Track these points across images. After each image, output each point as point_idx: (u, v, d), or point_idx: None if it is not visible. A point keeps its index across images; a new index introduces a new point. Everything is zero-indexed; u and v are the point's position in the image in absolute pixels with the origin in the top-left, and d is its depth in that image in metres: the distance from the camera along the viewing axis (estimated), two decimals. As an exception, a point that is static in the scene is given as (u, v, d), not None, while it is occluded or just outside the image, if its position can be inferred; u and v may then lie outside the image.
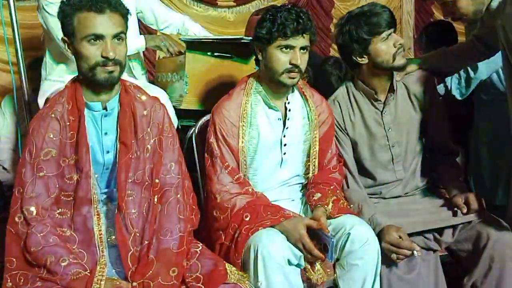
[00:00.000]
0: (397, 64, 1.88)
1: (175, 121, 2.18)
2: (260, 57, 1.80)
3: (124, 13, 1.52)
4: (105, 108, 1.56)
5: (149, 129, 1.61)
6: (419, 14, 4.78)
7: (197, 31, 2.55)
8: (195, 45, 2.25)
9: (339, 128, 1.98)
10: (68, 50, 1.52)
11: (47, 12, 2.09)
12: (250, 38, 2.17)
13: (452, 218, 1.88)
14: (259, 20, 1.77)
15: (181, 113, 2.30)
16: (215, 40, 2.31)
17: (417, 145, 2.02)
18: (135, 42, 2.26)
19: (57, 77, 2.21)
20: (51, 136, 1.51)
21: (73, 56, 1.55)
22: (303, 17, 1.70)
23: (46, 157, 1.50)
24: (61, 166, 1.51)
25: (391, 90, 1.97)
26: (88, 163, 1.50)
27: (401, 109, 2.00)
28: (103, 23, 1.46)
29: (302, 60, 1.73)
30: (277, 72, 1.75)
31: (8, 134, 3.10)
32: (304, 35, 1.72)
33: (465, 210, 1.85)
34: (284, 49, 1.72)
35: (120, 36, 1.50)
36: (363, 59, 1.91)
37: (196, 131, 2.08)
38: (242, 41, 2.23)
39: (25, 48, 2.20)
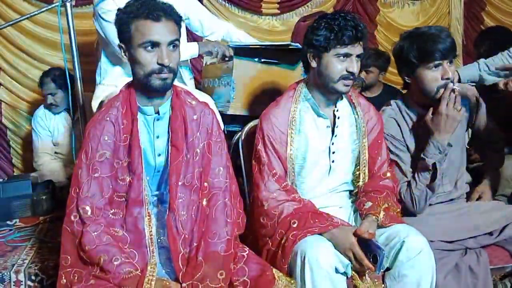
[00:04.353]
0: (437, 97, 1.84)
1: (221, 126, 2.20)
2: (313, 64, 1.76)
3: (177, 21, 1.54)
4: (157, 112, 1.59)
5: (198, 133, 1.63)
6: (468, 21, 4.66)
7: (242, 37, 2.57)
8: (242, 51, 2.27)
9: (395, 143, 1.94)
10: (124, 56, 1.56)
11: (103, 19, 2.14)
12: (298, 44, 2.18)
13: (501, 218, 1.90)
14: (313, 27, 1.74)
15: (226, 119, 2.32)
16: (262, 46, 2.33)
17: (461, 159, 2.03)
18: (188, 48, 2.29)
19: (111, 81, 2.26)
20: (106, 138, 1.55)
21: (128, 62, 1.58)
22: (360, 24, 1.68)
23: (101, 158, 1.54)
24: (115, 168, 1.55)
25: None
26: (140, 165, 1.54)
27: None
28: (159, 30, 1.48)
29: (357, 67, 1.72)
30: (333, 80, 1.73)
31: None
32: (360, 42, 1.70)
33: (474, 200, 2.05)
34: (341, 57, 1.70)
35: (174, 44, 1.52)
36: (408, 79, 1.90)
37: (243, 137, 2.09)
38: (290, 47, 2.24)
39: (80, 54, 2.25)
